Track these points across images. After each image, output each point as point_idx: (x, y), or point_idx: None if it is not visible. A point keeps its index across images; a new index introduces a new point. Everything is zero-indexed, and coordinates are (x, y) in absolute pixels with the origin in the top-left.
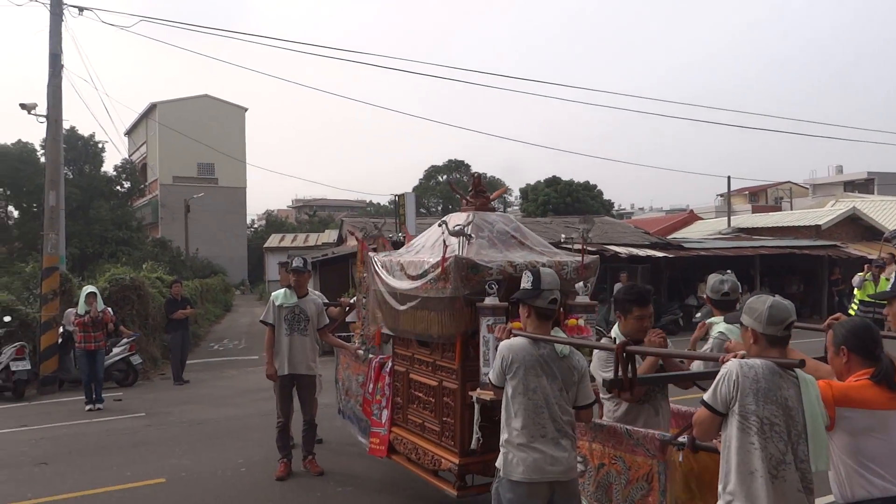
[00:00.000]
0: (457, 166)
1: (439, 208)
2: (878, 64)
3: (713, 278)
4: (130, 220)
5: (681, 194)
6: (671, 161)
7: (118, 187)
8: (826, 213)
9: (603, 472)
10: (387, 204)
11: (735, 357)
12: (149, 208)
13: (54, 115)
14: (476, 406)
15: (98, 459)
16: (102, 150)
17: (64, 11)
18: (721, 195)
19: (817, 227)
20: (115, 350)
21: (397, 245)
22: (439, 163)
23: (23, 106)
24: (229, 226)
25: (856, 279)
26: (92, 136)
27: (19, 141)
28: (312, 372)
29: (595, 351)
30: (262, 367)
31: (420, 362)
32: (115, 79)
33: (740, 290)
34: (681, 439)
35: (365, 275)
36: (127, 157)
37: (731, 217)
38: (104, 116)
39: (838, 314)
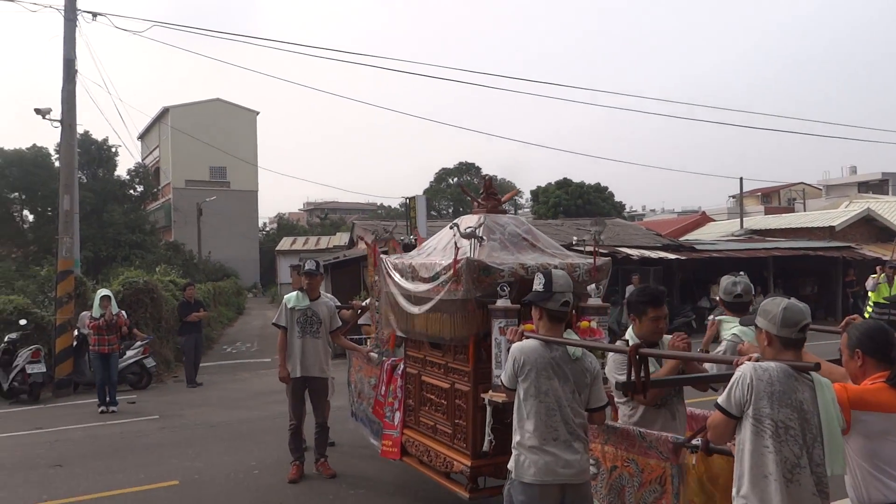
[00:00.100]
0: (467, 168)
1: (450, 211)
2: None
3: (726, 280)
4: (143, 223)
5: (693, 196)
6: (683, 162)
7: (131, 191)
8: (840, 214)
9: (615, 475)
10: (398, 207)
11: (749, 360)
12: (161, 212)
13: (68, 119)
14: (488, 408)
15: (112, 462)
16: (116, 154)
17: (78, 17)
18: (733, 196)
19: (831, 228)
20: (129, 353)
21: (408, 248)
22: (450, 165)
23: (37, 111)
24: (241, 229)
25: (869, 282)
26: (105, 140)
27: (34, 146)
28: (325, 375)
29: (609, 354)
30: (275, 370)
31: (432, 364)
32: (129, 83)
33: (753, 293)
34: (694, 442)
35: (377, 278)
36: (140, 160)
37: (744, 218)
38: (117, 121)
39: (855, 315)
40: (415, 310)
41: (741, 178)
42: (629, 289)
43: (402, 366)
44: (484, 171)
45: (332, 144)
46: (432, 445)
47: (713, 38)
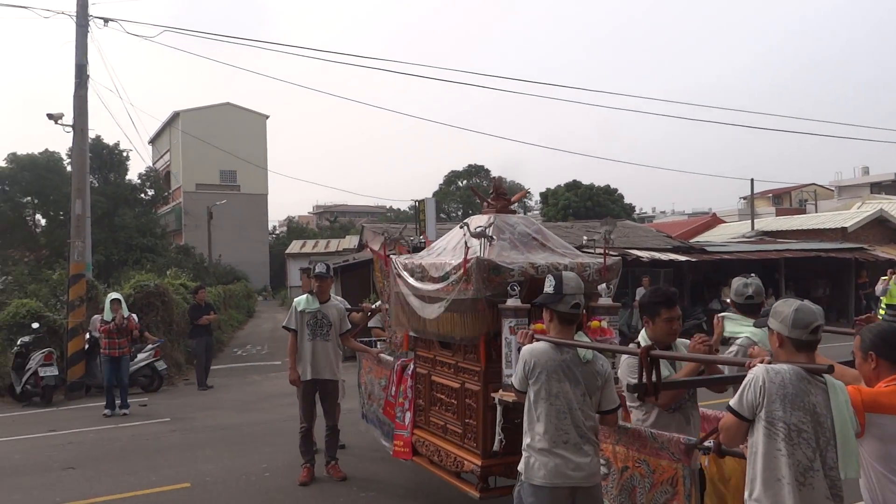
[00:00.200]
0: (476, 171)
1: (459, 213)
2: None
3: (737, 282)
4: (154, 227)
5: (703, 197)
6: (693, 164)
7: (142, 195)
8: (852, 215)
9: (627, 476)
10: (407, 210)
11: (761, 362)
12: (172, 215)
13: (80, 124)
14: (498, 408)
15: (124, 464)
16: (127, 158)
17: (90, 23)
18: (744, 198)
19: (843, 229)
20: (141, 356)
21: (417, 250)
22: (459, 168)
23: (50, 116)
24: (251, 232)
25: (879, 286)
26: (117, 144)
27: (46, 150)
28: (335, 377)
29: (622, 357)
30: (285, 373)
31: (442, 364)
32: (140, 88)
33: (765, 294)
34: (707, 443)
35: (384, 283)
36: (151, 165)
37: (755, 220)
38: (129, 125)
39: (869, 314)
40: (426, 310)
41: (752, 180)
42: (639, 291)
43: (412, 366)
44: (493, 174)
45: (342, 148)
46: (443, 445)
47: (725, 40)
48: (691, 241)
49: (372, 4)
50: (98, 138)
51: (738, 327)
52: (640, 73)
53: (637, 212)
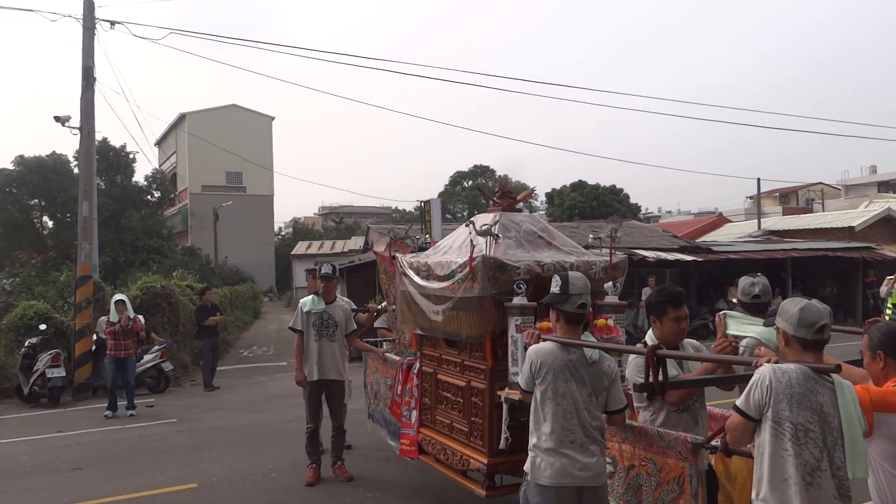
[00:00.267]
0: (482, 171)
1: (465, 214)
2: None
3: (744, 281)
4: (161, 228)
5: (709, 197)
6: (699, 164)
7: (149, 197)
8: (860, 214)
9: (633, 474)
10: (412, 210)
11: (768, 362)
12: (178, 217)
13: (87, 127)
14: (504, 406)
15: (131, 465)
16: (133, 160)
17: (96, 26)
18: (750, 197)
19: (851, 228)
20: (147, 357)
21: (422, 250)
22: (465, 168)
23: (57, 118)
24: (257, 233)
25: (883, 288)
26: (123, 146)
27: (53, 153)
28: (342, 377)
29: (630, 357)
30: (292, 374)
31: (448, 363)
32: (146, 91)
33: (772, 294)
34: (714, 443)
35: (389, 284)
36: (157, 167)
37: (762, 219)
38: (135, 127)
39: (878, 317)
40: (431, 308)
41: (758, 179)
42: (645, 291)
43: (417, 365)
44: (498, 174)
45: (347, 149)
46: (448, 443)
47: (730, 40)
48: (698, 240)
49: (378, 6)
50: (105, 140)
51: (740, 326)
52: (645, 74)
53: (643, 212)
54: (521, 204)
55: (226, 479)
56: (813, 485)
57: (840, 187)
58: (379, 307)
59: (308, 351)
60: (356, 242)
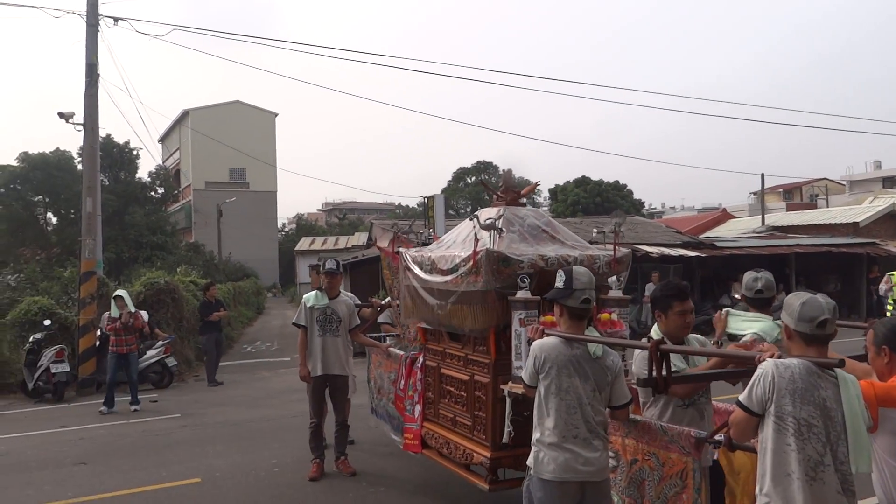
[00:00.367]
0: (485, 167)
1: (468, 209)
2: None
3: (748, 276)
4: (164, 225)
5: (713, 193)
6: (703, 160)
7: (152, 193)
8: (864, 209)
9: (636, 468)
10: (415, 206)
11: (771, 357)
12: (182, 213)
13: (91, 123)
14: (508, 400)
15: (135, 459)
16: (137, 156)
17: (100, 22)
18: (754, 193)
19: (855, 224)
20: (151, 352)
21: (425, 245)
22: (468, 164)
23: (61, 115)
24: (260, 229)
25: (882, 286)
26: (127, 143)
27: (57, 149)
28: (345, 372)
29: (635, 351)
30: (295, 369)
31: (451, 357)
32: (150, 87)
33: (775, 289)
34: (717, 437)
35: (393, 279)
36: (161, 163)
37: (766, 215)
38: (139, 124)
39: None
40: (434, 302)
41: (762, 175)
42: (649, 286)
43: (421, 359)
44: (502, 170)
45: (350, 145)
46: (452, 437)
47: (734, 37)
48: (701, 236)
49: (382, 3)
50: (108, 137)
51: (742, 323)
52: (647, 72)
53: (646, 207)
54: (525, 199)
55: (229, 473)
56: (816, 480)
57: (844, 183)
58: (382, 302)
59: (312, 346)
60: (359, 238)
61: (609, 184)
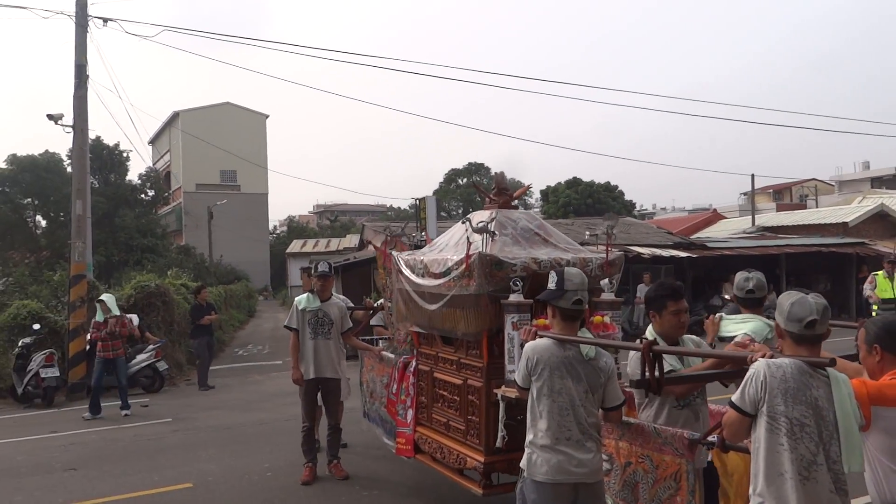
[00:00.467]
0: (477, 169)
1: (460, 211)
2: None
3: (739, 276)
4: (155, 227)
5: (703, 194)
6: (693, 160)
7: (143, 195)
8: (853, 209)
9: (629, 471)
10: (407, 208)
11: (763, 357)
12: (173, 216)
13: (80, 125)
14: (501, 404)
15: (126, 464)
16: (127, 159)
17: (89, 23)
18: (745, 194)
19: (844, 224)
20: (142, 356)
21: (418, 248)
22: (459, 166)
23: (50, 117)
24: (252, 232)
25: (866, 287)
26: (117, 145)
27: (46, 151)
28: (338, 375)
29: (631, 353)
30: (287, 372)
31: (444, 361)
32: (140, 88)
33: (767, 289)
34: (710, 439)
35: (386, 280)
36: (151, 165)
37: (756, 216)
38: (129, 126)
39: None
40: (427, 306)
41: (752, 175)
42: (640, 287)
43: (414, 363)
44: (493, 172)
45: (342, 147)
46: (445, 442)
47: (724, 39)
48: (692, 237)
49: (373, 5)
50: (98, 139)
51: (732, 325)
52: (642, 72)
53: (637, 208)
54: (517, 201)
55: (222, 478)
56: (809, 479)
57: (833, 183)
58: (375, 305)
59: (304, 349)
60: (351, 240)
61: (600, 185)
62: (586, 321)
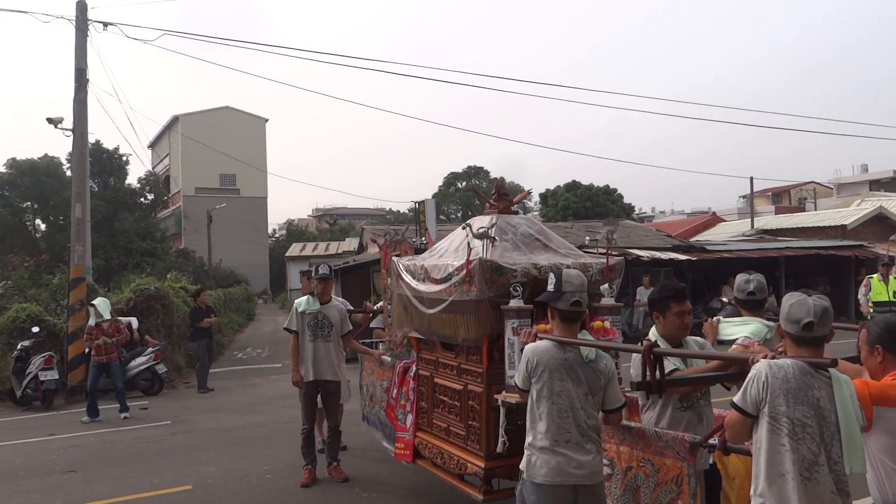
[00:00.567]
0: (476, 172)
1: (459, 215)
2: None
3: (739, 278)
4: (154, 231)
5: (702, 197)
6: (692, 164)
7: (142, 199)
8: (852, 212)
9: (631, 475)
10: (406, 212)
11: (765, 358)
12: (172, 219)
13: (80, 128)
14: (502, 409)
15: (125, 467)
16: (127, 162)
17: (89, 27)
18: (744, 197)
19: (843, 226)
20: (141, 359)
21: (420, 251)
22: (458, 169)
23: (49, 120)
24: (251, 235)
25: (861, 290)
26: (116, 149)
27: (46, 155)
28: (337, 378)
29: (633, 355)
30: (286, 375)
31: (445, 366)
32: (139, 93)
33: (767, 291)
34: (711, 441)
35: (389, 280)
36: (150, 169)
37: (755, 218)
38: (128, 130)
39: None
40: (428, 311)
41: (751, 178)
42: (639, 290)
43: (414, 368)
44: (492, 175)
45: (341, 151)
46: (445, 447)
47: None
48: (691, 240)
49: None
50: (98, 143)
51: (732, 328)
52: (640, 75)
53: (636, 212)
54: (516, 205)
55: (221, 480)
56: (811, 480)
57: (832, 186)
58: (375, 308)
59: (303, 351)
60: (350, 244)
61: (600, 188)
62: (587, 325)
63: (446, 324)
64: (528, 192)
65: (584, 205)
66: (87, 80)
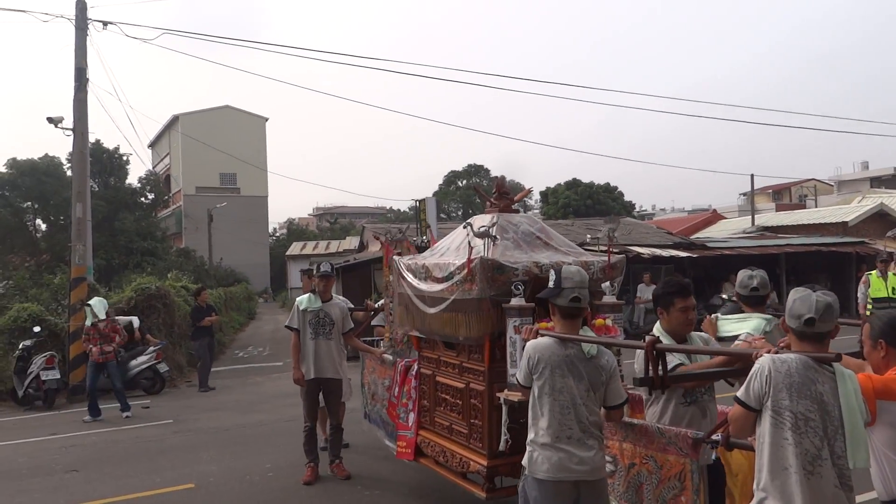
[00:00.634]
0: (476, 171)
1: (459, 213)
2: None
3: (742, 274)
4: (155, 230)
5: (703, 194)
6: (693, 161)
7: (143, 199)
8: (853, 209)
9: (634, 472)
10: (407, 210)
11: (768, 353)
12: (173, 219)
13: (80, 128)
14: (504, 407)
15: (127, 466)
16: (127, 162)
17: (89, 26)
18: (744, 194)
19: (844, 223)
20: (142, 358)
21: (422, 249)
22: (459, 168)
23: (50, 120)
24: (251, 234)
25: (861, 289)
26: (117, 148)
27: (46, 155)
28: (339, 376)
29: (637, 351)
30: (288, 374)
31: (446, 365)
32: (139, 92)
33: (769, 287)
34: (714, 437)
35: (391, 278)
36: (151, 168)
37: (755, 216)
38: (129, 129)
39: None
40: (429, 310)
41: (752, 176)
42: (640, 287)
43: (416, 366)
44: (493, 173)
45: (341, 149)
46: (448, 446)
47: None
48: (692, 237)
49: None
50: (98, 142)
51: (732, 325)
52: (640, 73)
53: (637, 209)
54: (517, 204)
55: (223, 479)
56: (814, 474)
57: (832, 183)
58: (376, 305)
59: (305, 349)
60: (351, 242)
61: (600, 186)
62: (588, 322)
63: (448, 323)
64: (529, 191)
65: (585, 203)
66: (87, 79)
